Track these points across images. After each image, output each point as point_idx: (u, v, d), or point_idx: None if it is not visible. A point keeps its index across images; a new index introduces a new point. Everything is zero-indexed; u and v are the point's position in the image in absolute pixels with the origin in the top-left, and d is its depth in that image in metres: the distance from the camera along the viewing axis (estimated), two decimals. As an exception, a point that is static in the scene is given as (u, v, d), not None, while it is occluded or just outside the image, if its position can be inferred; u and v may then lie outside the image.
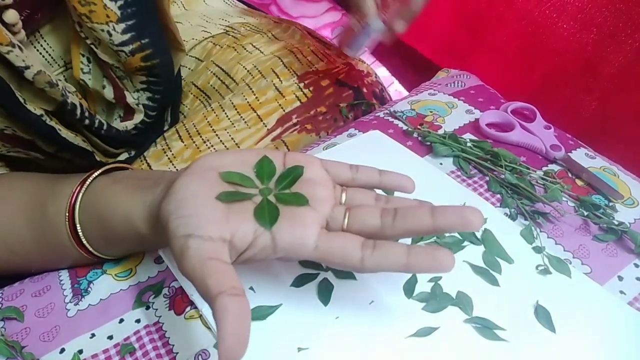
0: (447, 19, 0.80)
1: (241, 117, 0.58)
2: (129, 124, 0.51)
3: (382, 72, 0.92)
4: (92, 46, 0.44)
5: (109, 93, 0.48)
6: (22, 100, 0.40)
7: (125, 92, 0.49)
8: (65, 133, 0.45)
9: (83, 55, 0.46)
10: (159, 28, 0.48)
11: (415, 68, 0.89)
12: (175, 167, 0.56)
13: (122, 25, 0.44)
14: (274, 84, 0.60)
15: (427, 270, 0.31)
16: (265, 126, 0.58)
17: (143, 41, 0.45)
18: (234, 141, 0.57)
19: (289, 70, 0.62)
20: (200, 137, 0.57)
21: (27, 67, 0.39)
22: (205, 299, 0.28)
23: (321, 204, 0.34)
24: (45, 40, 0.45)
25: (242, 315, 0.27)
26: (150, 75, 0.49)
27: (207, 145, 0.57)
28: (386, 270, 0.31)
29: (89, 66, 0.46)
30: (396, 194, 0.38)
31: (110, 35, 0.43)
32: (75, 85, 0.48)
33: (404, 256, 0.30)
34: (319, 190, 0.35)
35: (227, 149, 0.57)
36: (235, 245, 0.31)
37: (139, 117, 0.51)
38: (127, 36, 0.44)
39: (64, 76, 0.48)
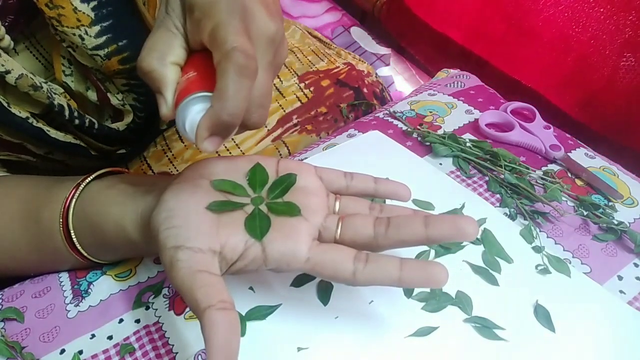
0: (480, 4, 0.80)
1: (241, 117, 0.58)
2: (120, 125, 0.50)
3: (383, 72, 0.91)
4: (70, 49, 0.43)
5: (92, 95, 0.47)
6: (5, 104, 0.39)
7: (109, 95, 0.48)
8: (54, 133, 0.44)
9: (64, 57, 0.45)
10: (139, 29, 0.46)
11: (447, 55, 0.88)
12: (175, 167, 0.56)
13: (97, 28, 0.42)
14: (274, 84, 0.60)
15: (420, 284, 0.30)
16: (266, 126, 0.58)
17: (120, 43, 0.44)
18: (234, 141, 0.57)
19: (289, 70, 0.62)
20: (201, 137, 0.57)
21: (8, 72, 0.38)
22: (194, 312, 0.28)
23: (314, 214, 0.33)
24: (41, 45, 0.45)
25: (231, 330, 0.27)
26: (131, 78, 0.48)
27: (207, 145, 0.57)
28: (378, 284, 0.31)
29: (70, 68, 0.45)
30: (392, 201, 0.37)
31: (83, 39, 0.41)
32: (64, 87, 0.47)
33: (396, 270, 0.30)
34: (312, 200, 0.34)
35: (227, 149, 0.57)
36: (225, 256, 0.31)
37: (128, 118, 0.51)
38: (102, 39, 0.42)
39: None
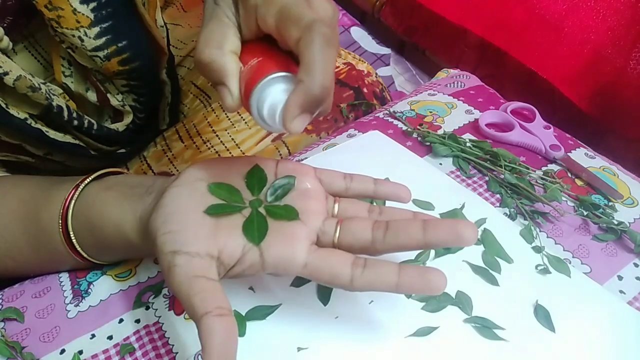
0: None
1: (241, 117, 0.58)
2: (120, 126, 0.50)
3: (383, 72, 0.91)
4: (69, 50, 0.43)
5: (92, 96, 0.47)
6: (3, 105, 0.39)
7: (108, 95, 0.48)
8: (53, 134, 0.44)
9: (64, 59, 0.45)
10: (138, 30, 0.46)
11: (464, 46, 0.87)
12: (175, 167, 0.56)
13: (96, 29, 0.42)
14: None
15: (418, 291, 0.30)
16: None
17: (120, 44, 0.44)
18: (235, 142, 0.57)
19: None
20: (201, 137, 0.57)
21: (6, 73, 0.38)
22: (191, 318, 0.28)
23: (312, 218, 0.33)
24: (40, 46, 0.45)
25: (228, 336, 0.27)
26: (131, 79, 0.48)
27: (207, 145, 0.57)
28: (376, 290, 0.30)
29: (70, 69, 0.45)
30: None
31: (82, 40, 0.42)
32: (63, 88, 0.47)
33: (394, 276, 0.30)
34: (310, 203, 0.34)
35: (228, 149, 0.57)
36: (223, 261, 0.31)
37: (128, 119, 0.51)
38: (101, 40, 0.42)
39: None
